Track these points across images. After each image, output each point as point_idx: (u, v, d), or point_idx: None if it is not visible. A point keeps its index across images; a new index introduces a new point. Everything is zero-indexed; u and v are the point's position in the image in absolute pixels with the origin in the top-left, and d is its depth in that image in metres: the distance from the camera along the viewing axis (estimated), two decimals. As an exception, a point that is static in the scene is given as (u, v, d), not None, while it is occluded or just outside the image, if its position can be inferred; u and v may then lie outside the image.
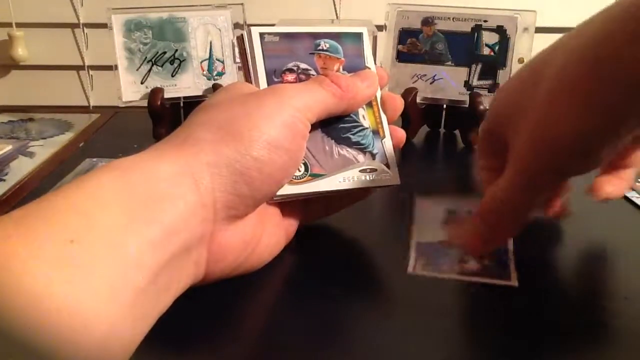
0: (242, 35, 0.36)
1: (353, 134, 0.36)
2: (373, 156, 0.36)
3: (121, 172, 0.26)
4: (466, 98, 0.60)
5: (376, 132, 0.37)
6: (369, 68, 0.38)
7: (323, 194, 0.35)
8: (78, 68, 0.79)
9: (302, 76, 0.36)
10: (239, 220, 0.30)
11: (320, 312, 0.31)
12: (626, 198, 0.46)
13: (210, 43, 0.63)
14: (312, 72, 0.36)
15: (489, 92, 0.59)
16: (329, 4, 0.77)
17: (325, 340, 0.29)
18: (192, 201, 0.26)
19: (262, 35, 0.35)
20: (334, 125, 0.36)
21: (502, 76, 0.59)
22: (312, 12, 0.77)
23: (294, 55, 0.36)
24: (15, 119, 0.71)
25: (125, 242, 0.23)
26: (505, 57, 0.59)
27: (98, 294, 0.21)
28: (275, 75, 0.35)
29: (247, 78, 0.36)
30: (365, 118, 0.37)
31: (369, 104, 0.37)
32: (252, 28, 0.35)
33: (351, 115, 0.36)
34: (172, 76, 0.61)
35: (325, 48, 0.37)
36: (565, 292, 0.34)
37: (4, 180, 0.52)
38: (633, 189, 0.48)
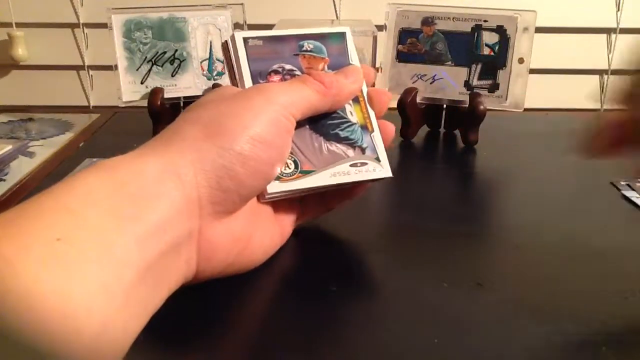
0: (226, 41, 0.36)
1: (341, 130, 0.36)
2: (363, 150, 0.37)
3: (108, 172, 0.26)
4: (466, 98, 0.60)
5: (364, 127, 0.37)
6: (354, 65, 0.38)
7: (315, 190, 0.35)
8: (78, 68, 0.79)
9: (288, 77, 0.36)
10: (228, 216, 0.30)
11: (317, 311, 0.31)
12: (626, 198, 0.46)
13: (210, 43, 0.63)
14: (297, 72, 0.37)
15: (489, 92, 0.59)
16: (329, 4, 0.77)
17: (323, 338, 0.29)
18: (177, 198, 0.27)
19: (245, 39, 0.36)
20: (322, 122, 0.36)
21: (502, 76, 0.59)
22: (312, 12, 0.77)
23: (279, 57, 0.36)
24: (15, 119, 0.71)
25: (113, 240, 0.23)
26: (505, 57, 0.59)
27: (88, 293, 0.21)
28: (260, 77, 0.36)
29: (233, 82, 0.36)
30: (352, 114, 0.37)
31: (356, 100, 0.38)
32: (236, 33, 0.36)
33: (338, 111, 0.37)
34: (172, 76, 0.62)
35: (309, 49, 0.37)
36: (565, 298, 0.34)
37: (4, 180, 0.52)
38: (633, 189, 0.48)
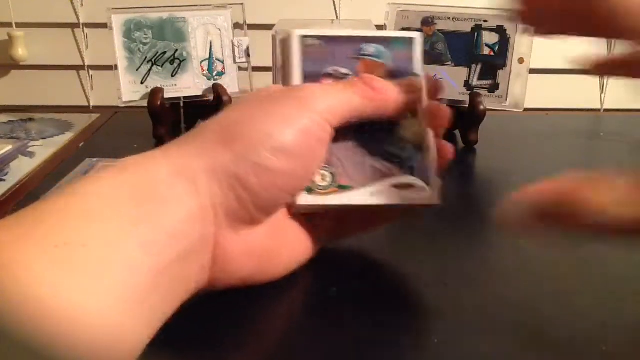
0: (282, 37, 0.34)
1: (390, 145, 0.33)
2: (411, 171, 0.32)
3: (119, 173, 0.25)
4: (466, 98, 0.59)
5: (417, 145, 0.33)
6: (417, 75, 0.34)
7: (349, 208, 0.32)
8: (78, 68, 0.79)
9: None
10: (246, 228, 0.28)
11: (316, 310, 0.31)
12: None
13: (210, 43, 0.63)
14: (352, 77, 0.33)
15: (489, 92, 0.59)
16: (329, 4, 0.77)
17: (322, 338, 0.29)
18: (190, 204, 0.26)
19: (302, 37, 0.33)
20: (369, 134, 0.32)
21: (502, 76, 0.59)
22: (312, 12, 0.77)
23: (335, 59, 0.33)
24: (15, 119, 0.71)
25: (125, 245, 0.23)
26: (505, 57, 0.59)
27: (97, 298, 0.21)
28: (312, 79, 0.33)
29: (284, 82, 0.33)
30: (406, 129, 0.33)
31: (413, 114, 0.33)
32: (293, 30, 0.33)
33: (390, 124, 0.33)
34: (172, 76, 0.62)
35: (368, 53, 0.34)
36: (565, 298, 0.34)
37: (4, 180, 0.52)
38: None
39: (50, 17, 0.77)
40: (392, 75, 0.34)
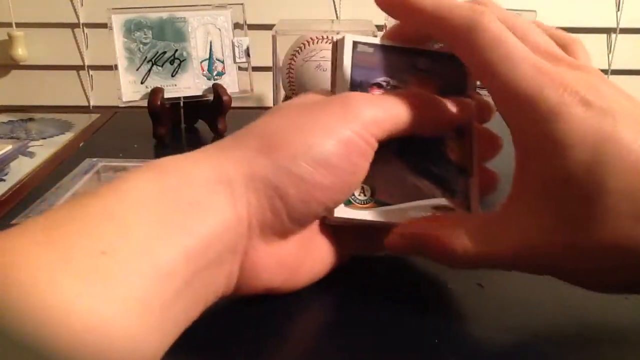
0: (335, 42, 0.32)
1: (435, 165, 0.32)
2: (453, 194, 0.31)
3: (158, 175, 0.24)
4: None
5: (462, 169, 0.32)
6: (469, 96, 0.33)
7: (385, 225, 0.30)
8: (78, 68, 0.80)
9: None
10: (278, 240, 0.28)
11: (316, 311, 0.31)
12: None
13: (210, 43, 0.63)
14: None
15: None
16: (329, 4, 0.77)
17: (321, 337, 0.29)
18: (227, 214, 0.25)
19: (355, 43, 0.31)
20: (414, 152, 0.31)
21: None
22: (312, 12, 0.77)
23: (386, 70, 0.32)
24: (15, 119, 0.71)
25: (159, 252, 0.22)
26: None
27: (127, 310, 0.20)
28: (360, 88, 0.31)
29: (332, 87, 0.32)
30: (453, 150, 0.32)
31: (461, 136, 0.32)
32: (346, 35, 0.31)
33: (436, 143, 0.32)
34: (172, 76, 0.62)
35: (421, 67, 0.32)
36: (565, 298, 0.34)
37: (4, 180, 0.52)
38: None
39: (50, 17, 0.77)
40: (444, 92, 0.32)
